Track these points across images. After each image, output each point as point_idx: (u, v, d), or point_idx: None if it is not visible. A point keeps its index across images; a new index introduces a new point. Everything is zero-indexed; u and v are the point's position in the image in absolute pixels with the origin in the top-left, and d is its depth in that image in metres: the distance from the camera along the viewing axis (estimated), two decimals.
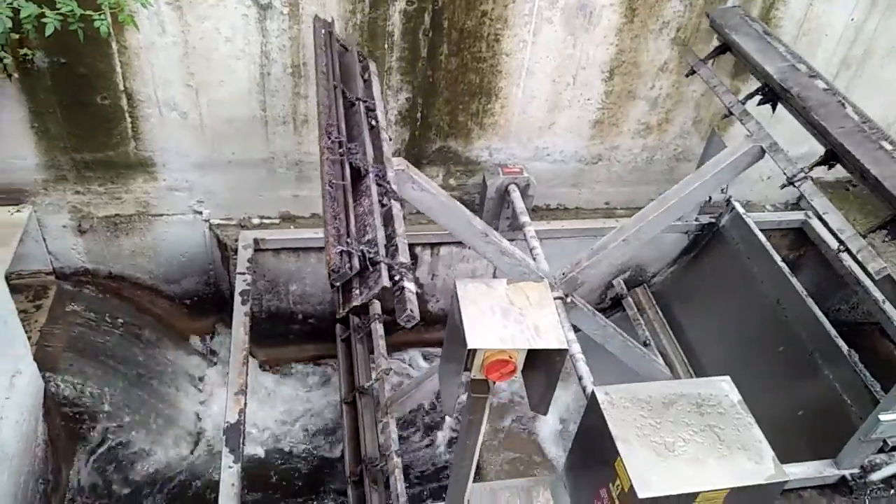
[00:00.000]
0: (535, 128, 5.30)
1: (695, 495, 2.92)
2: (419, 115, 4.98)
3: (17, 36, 3.93)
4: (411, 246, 5.72)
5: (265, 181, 5.11)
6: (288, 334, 5.96)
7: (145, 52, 4.31)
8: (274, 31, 4.36)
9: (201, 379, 5.81)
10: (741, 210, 5.74)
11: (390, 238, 2.96)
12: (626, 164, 5.74)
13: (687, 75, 4.79)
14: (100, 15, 3.50)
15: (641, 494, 2.85)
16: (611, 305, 6.52)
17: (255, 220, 5.37)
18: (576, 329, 5.85)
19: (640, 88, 5.24)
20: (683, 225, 5.96)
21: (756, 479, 2.96)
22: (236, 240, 5.22)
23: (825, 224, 3.63)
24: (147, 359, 5.41)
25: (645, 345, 5.82)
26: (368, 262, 2.76)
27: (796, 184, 3.76)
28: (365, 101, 3.71)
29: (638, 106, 5.37)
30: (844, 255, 5.80)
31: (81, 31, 3.53)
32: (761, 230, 5.87)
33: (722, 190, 5.70)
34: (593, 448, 3.24)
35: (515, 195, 5.20)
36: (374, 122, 3.65)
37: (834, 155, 3.66)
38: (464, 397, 2.69)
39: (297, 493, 5.45)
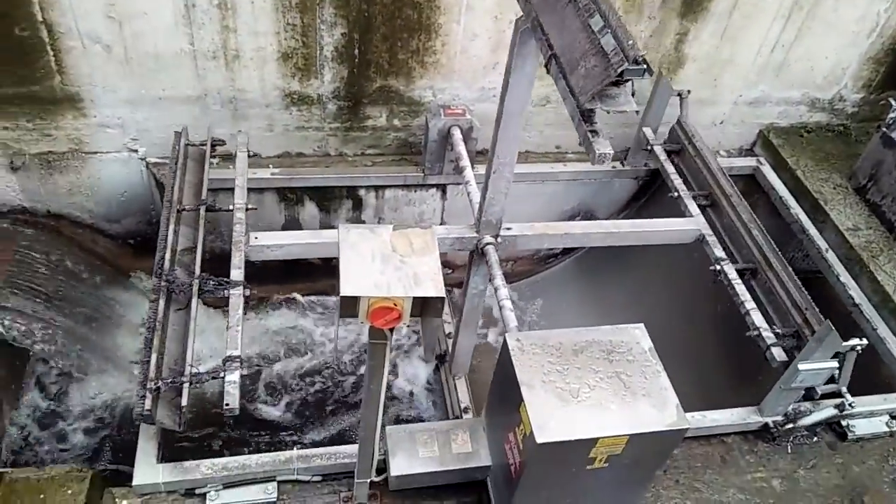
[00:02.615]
0: (480, 67, 5.12)
1: (594, 441, 2.93)
2: (356, 51, 4.80)
3: None
4: (355, 189, 5.71)
5: (200, 119, 4.94)
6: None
7: None
8: None
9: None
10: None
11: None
12: None
13: None
14: None
15: (539, 439, 2.86)
16: None
17: None
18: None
19: None
20: (632, 170, 5.88)
21: (656, 426, 2.96)
22: None
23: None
24: (90, 297, 5.36)
25: None
26: (170, 388, 3.35)
27: None
28: (204, 203, 4.32)
29: None
30: (792, 202, 5.72)
31: None
32: None
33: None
34: (504, 393, 3.24)
35: (457, 138, 5.06)
36: (230, 207, 4.41)
37: None
38: (341, 341, 2.69)
39: None
